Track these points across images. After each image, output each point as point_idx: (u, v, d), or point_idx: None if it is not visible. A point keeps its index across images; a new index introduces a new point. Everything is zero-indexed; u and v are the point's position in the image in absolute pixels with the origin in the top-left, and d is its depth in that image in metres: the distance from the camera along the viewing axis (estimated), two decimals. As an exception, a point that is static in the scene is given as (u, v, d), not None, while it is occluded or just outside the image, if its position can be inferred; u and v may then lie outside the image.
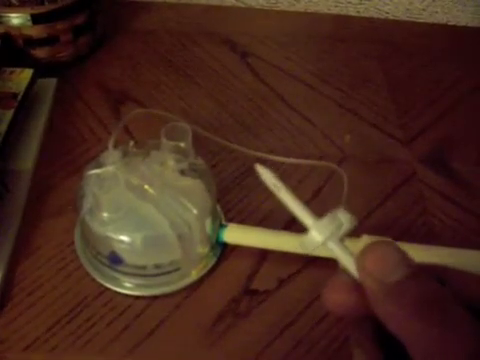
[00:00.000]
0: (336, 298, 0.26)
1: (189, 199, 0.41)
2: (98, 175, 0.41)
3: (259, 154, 0.51)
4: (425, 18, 0.79)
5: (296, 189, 0.51)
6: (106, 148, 0.42)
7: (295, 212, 0.28)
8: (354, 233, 0.44)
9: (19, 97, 0.53)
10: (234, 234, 0.45)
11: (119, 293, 0.43)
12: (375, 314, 0.24)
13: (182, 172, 0.42)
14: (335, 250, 0.26)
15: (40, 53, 0.59)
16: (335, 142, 0.57)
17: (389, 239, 0.44)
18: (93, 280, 0.43)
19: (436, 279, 0.25)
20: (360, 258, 0.24)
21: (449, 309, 0.23)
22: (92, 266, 0.44)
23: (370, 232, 0.45)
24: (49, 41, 0.59)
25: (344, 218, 0.27)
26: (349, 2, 0.78)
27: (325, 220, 0.27)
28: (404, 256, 0.24)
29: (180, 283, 0.43)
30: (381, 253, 0.24)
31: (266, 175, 0.29)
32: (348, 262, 0.25)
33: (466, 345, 0.22)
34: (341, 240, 0.26)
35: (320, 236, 0.26)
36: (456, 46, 0.72)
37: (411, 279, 0.23)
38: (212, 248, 0.45)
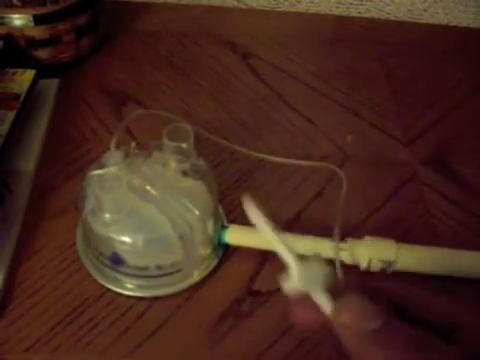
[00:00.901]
0: (303, 315, 0.29)
1: (191, 200, 0.41)
2: (100, 176, 0.41)
3: (261, 155, 0.51)
4: (426, 19, 0.79)
5: (297, 190, 0.52)
6: (108, 149, 0.42)
7: (279, 252, 0.29)
8: (356, 234, 0.45)
9: (21, 98, 0.53)
10: (236, 235, 0.45)
11: (121, 294, 0.43)
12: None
13: (184, 173, 0.42)
14: (313, 295, 0.28)
15: (42, 54, 0.59)
16: (336, 143, 0.57)
17: (391, 239, 0.44)
18: (95, 281, 0.43)
19: (399, 301, 0.28)
20: (335, 313, 0.27)
21: (425, 346, 0.25)
22: (94, 267, 0.44)
23: (371, 233, 0.45)
24: (51, 42, 0.59)
25: (321, 265, 0.29)
26: (350, 3, 0.78)
27: (309, 265, 0.29)
28: (374, 308, 0.26)
29: (182, 284, 0.43)
30: (356, 308, 0.27)
31: (253, 212, 0.31)
32: (324, 305, 0.28)
33: None
34: (320, 287, 0.28)
35: (299, 282, 0.28)
36: (457, 47, 0.72)
37: (384, 328, 0.26)
38: (214, 249, 0.45)
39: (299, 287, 0.28)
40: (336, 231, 0.42)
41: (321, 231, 0.44)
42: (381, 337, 0.26)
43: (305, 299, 0.28)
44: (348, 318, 0.26)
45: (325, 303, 0.28)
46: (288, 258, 0.29)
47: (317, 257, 0.29)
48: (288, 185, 0.52)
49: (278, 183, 0.52)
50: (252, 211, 0.30)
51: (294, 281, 0.28)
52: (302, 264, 0.28)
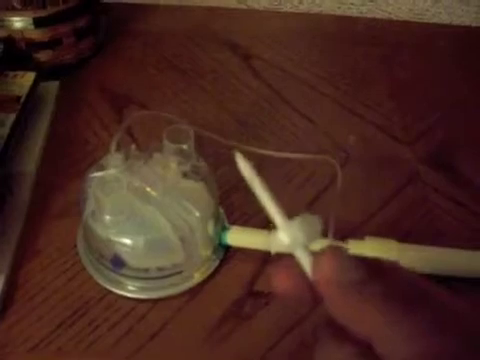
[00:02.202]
0: (285, 280, 0.26)
1: (191, 202, 0.41)
2: (100, 178, 0.41)
3: (261, 151, 0.50)
4: (428, 18, 0.78)
5: (300, 190, 0.51)
6: (108, 151, 0.42)
7: (267, 209, 0.28)
8: (357, 235, 0.44)
9: (22, 100, 0.53)
10: (237, 236, 0.45)
11: (122, 296, 0.43)
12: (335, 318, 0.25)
13: (184, 174, 0.42)
14: (299, 255, 0.26)
15: (43, 56, 0.59)
16: (338, 143, 0.57)
17: (392, 240, 0.44)
18: (96, 283, 0.43)
19: None
20: (315, 264, 0.25)
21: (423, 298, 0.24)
22: (95, 269, 0.44)
23: (373, 233, 0.45)
24: (51, 44, 0.59)
25: (313, 222, 0.27)
26: (352, 3, 0.78)
27: (295, 223, 0.27)
28: (355, 259, 0.25)
29: (183, 286, 0.43)
30: (336, 258, 0.25)
31: (244, 165, 0.28)
32: (308, 268, 0.26)
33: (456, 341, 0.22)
34: (306, 246, 0.26)
35: (287, 239, 0.26)
36: (460, 46, 0.72)
37: (364, 279, 0.24)
38: (215, 251, 0.45)
39: (285, 246, 0.26)
40: (331, 225, 0.42)
41: (325, 230, 0.43)
42: (361, 289, 0.24)
43: (289, 265, 0.26)
44: (328, 268, 0.25)
45: (307, 260, 0.26)
46: (275, 215, 0.27)
47: (308, 215, 0.27)
48: (290, 186, 0.52)
49: (280, 184, 0.52)
50: (244, 165, 0.28)
51: (281, 240, 0.26)
52: (289, 222, 0.27)
